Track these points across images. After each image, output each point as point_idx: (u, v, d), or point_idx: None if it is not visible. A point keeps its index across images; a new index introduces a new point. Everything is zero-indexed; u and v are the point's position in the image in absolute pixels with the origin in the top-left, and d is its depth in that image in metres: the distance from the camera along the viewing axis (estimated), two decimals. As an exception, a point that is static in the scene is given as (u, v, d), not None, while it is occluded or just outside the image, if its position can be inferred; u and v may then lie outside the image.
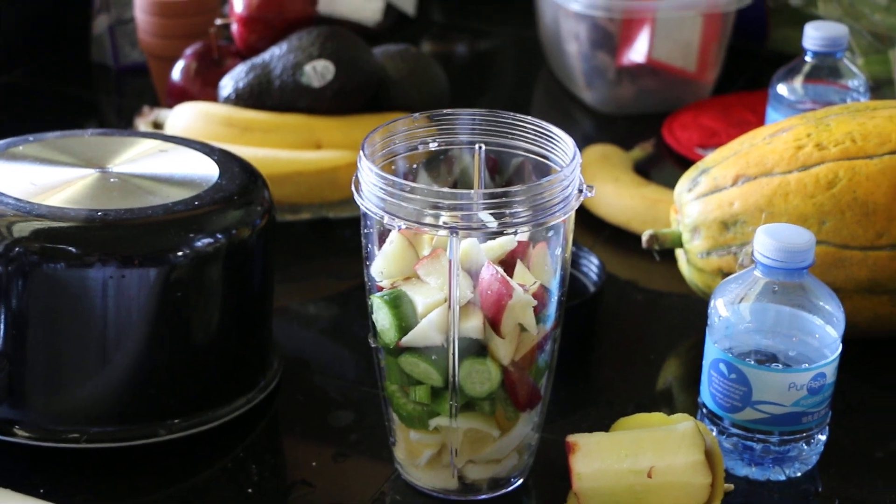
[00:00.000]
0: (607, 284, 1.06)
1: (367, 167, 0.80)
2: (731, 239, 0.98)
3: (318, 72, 1.20)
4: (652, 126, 1.37)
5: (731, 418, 0.87)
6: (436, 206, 0.78)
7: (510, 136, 0.86)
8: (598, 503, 0.82)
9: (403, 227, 0.79)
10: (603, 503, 0.82)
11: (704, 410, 0.89)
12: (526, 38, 1.61)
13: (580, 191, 0.81)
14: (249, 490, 0.88)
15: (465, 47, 1.66)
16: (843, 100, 1.18)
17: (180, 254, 0.86)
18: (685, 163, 1.26)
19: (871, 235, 0.95)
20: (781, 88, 1.20)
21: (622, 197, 1.19)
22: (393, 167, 0.85)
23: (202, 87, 1.27)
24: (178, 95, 1.28)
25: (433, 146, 0.86)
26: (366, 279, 0.84)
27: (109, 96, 1.50)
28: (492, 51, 1.67)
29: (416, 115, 0.86)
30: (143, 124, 1.28)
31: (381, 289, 0.83)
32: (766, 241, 0.85)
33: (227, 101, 1.23)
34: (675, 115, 1.40)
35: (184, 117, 1.23)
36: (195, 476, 0.89)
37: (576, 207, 0.81)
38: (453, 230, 0.78)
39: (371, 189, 0.80)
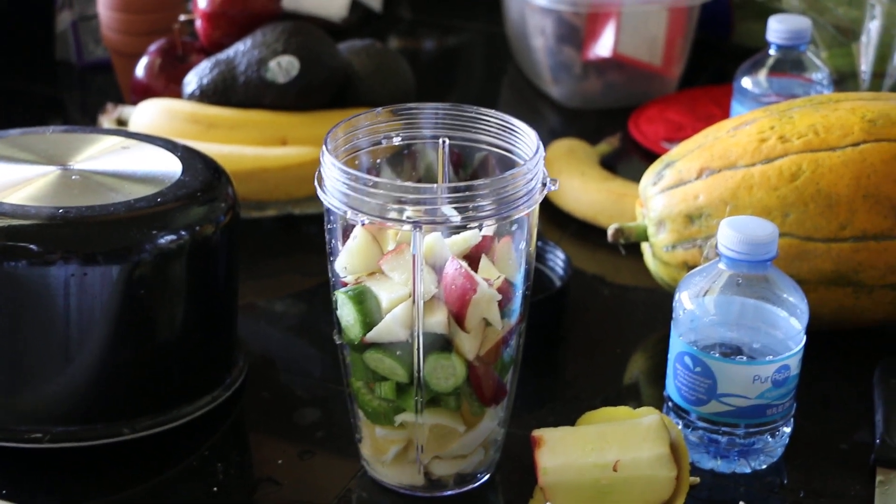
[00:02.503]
0: (574, 279, 1.06)
1: (330, 162, 0.80)
2: (695, 232, 0.98)
3: (283, 67, 1.20)
4: (618, 120, 1.38)
5: (696, 411, 0.87)
6: (399, 201, 0.77)
7: (473, 131, 0.86)
8: (563, 497, 0.82)
9: (367, 221, 0.79)
10: (569, 497, 0.82)
11: (670, 404, 0.89)
12: (493, 33, 1.61)
13: (544, 184, 0.81)
14: (215, 489, 0.87)
15: (433, 43, 1.66)
16: (806, 93, 1.19)
17: (143, 251, 0.86)
18: (651, 157, 1.26)
19: (835, 227, 0.95)
20: (746, 82, 1.21)
21: (588, 191, 1.19)
22: (356, 162, 0.85)
23: (166, 83, 1.26)
24: (142, 92, 1.27)
25: (396, 141, 0.86)
26: (330, 275, 0.84)
27: (73, 93, 1.49)
28: (459, 47, 1.66)
29: (379, 109, 0.85)
30: (106, 121, 1.27)
31: (345, 284, 0.82)
32: (730, 234, 0.85)
33: (192, 97, 1.22)
34: (642, 109, 1.40)
35: (148, 114, 1.22)
36: (160, 475, 0.89)
37: (539, 201, 0.81)
38: (417, 225, 0.77)
39: (334, 184, 0.79)
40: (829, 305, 0.97)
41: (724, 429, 0.87)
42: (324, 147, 0.81)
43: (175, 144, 0.97)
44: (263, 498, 0.87)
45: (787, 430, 0.89)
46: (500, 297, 0.80)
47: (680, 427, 0.88)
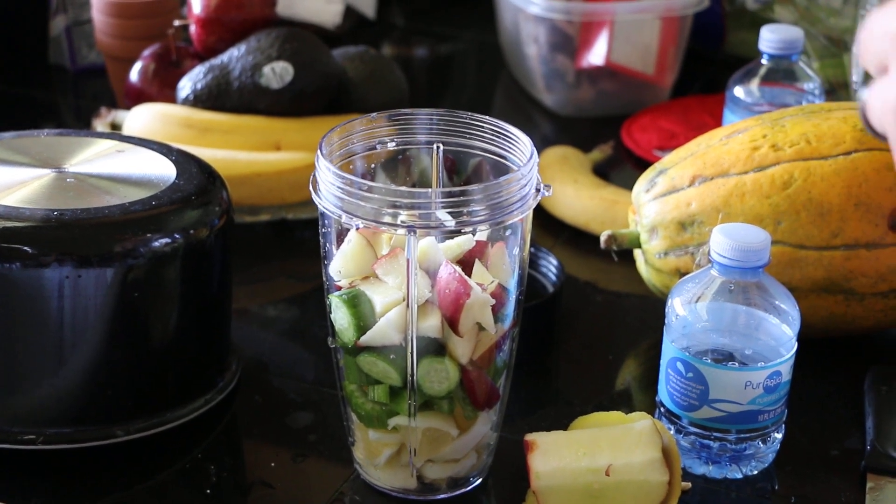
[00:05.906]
0: (566, 285, 1.06)
1: (325, 166, 0.80)
2: (688, 239, 0.99)
3: (277, 73, 1.20)
4: (611, 128, 1.38)
5: (688, 417, 0.88)
6: (394, 205, 0.78)
7: (468, 136, 0.86)
8: (556, 501, 0.82)
9: (361, 226, 0.79)
10: (561, 501, 0.82)
11: (662, 409, 0.90)
12: (486, 42, 1.61)
13: (537, 190, 0.82)
14: (208, 491, 0.87)
15: (426, 51, 1.66)
16: (798, 102, 1.20)
17: (137, 254, 0.86)
18: (644, 165, 1.27)
19: (826, 235, 0.96)
20: (738, 91, 1.21)
21: (581, 198, 1.19)
22: (351, 167, 0.85)
23: (160, 88, 1.26)
24: (136, 97, 1.27)
25: (391, 146, 0.86)
26: (324, 279, 0.84)
27: (67, 98, 1.49)
28: (452, 54, 1.67)
29: (374, 114, 0.86)
30: (100, 126, 1.27)
31: (339, 288, 0.82)
32: (723, 241, 0.85)
33: (186, 102, 1.22)
34: (634, 117, 1.40)
35: (142, 119, 1.22)
36: (153, 477, 0.89)
37: (533, 206, 0.81)
38: (411, 229, 0.78)
39: (329, 188, 0.80)
40: (821, 313, 0.98)
41: (715, 434, 0.87)
42: (319, 151, 0.81)
43: (170, 148, 0.97)
44: (256, 501, 0.87)
45: (779, 436, 0.89)
46: (493, 301, 0.81)
47: (672, 432, 0.88)
